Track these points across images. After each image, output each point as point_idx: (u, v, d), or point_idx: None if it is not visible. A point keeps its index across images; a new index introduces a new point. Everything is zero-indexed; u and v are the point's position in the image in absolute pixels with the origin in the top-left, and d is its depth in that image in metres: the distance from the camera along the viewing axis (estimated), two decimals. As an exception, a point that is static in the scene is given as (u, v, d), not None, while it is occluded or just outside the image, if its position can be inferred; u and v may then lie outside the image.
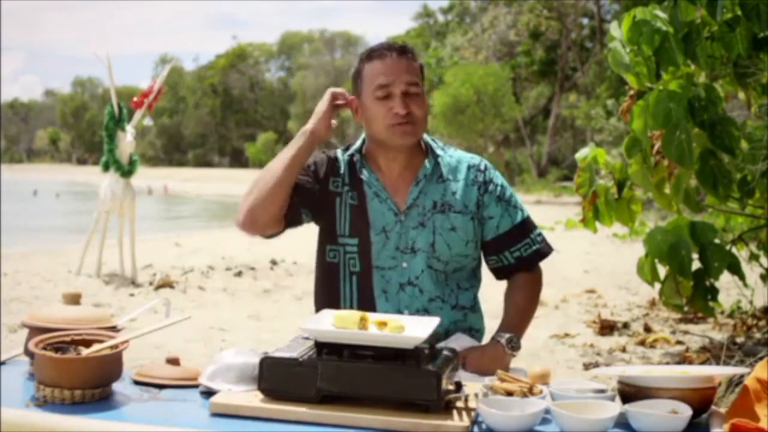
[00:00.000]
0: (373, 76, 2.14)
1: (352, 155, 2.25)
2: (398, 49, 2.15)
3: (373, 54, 2.16)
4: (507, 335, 2.12)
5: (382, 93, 2.12)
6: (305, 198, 2.18)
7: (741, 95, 4.31)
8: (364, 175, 2.21)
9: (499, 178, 2.27)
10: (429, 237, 2.17)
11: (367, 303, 2.15)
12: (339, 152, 2.28)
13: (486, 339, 2.31)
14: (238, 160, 72.90)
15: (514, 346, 2.11)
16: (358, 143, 2.28)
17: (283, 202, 2.13)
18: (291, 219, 2.18)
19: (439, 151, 2.25)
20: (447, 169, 2.23)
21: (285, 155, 2.14)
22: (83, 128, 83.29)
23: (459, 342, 2.13)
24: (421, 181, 2.19)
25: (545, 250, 2.27)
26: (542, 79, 35.60)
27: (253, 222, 2.13)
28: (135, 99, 8.38)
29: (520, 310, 2.23)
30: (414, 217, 2.18)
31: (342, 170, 2.24)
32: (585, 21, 35.34)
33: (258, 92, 73.85)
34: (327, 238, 2.22)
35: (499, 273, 2.28)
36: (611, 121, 22.88)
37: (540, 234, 2.28)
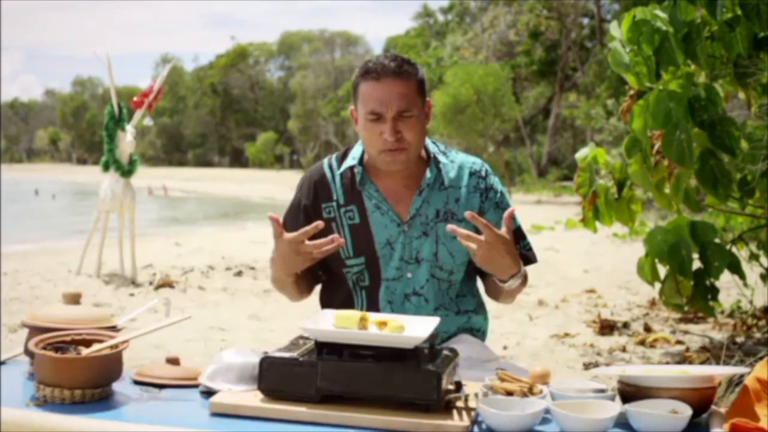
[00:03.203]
0: (366, 98, 2.10)
1: (352, 167, 2.20)
2: (394, 71, 2.08)
3: (368, 74, 2.10)
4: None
5: (374, 118, 2.09)
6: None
7: (741, 95, 4.32)
8: (365, 187, 2.18)
9: (498, 184, 2.26)
10: (432, 246, 2.16)
11: None
12: (328, 168, 2.23)
13: (488, 339, 2.31)
14: (238, 160, 72.91)
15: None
16: (359, 152, 2.23)
17: (299, 287, 2.20)
18: (316, 281, 2.27)
19: (441, 158, 2.22)
20: (449, 177, 2.21)
21: (273, 275, 2.18)
22: (83, 128, 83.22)
23: (462, 343, 2.13)
24: (424, 191, 2.17)
25: (529, 256, 2.24)
26: (542, 79, 35.59)
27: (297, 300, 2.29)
28: (135, 99, 8.38)
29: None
30: (417, 226, 2.16)
31: (335, 192, 2.20)
32: (585, 21, 35.34)
33: (258, 92, 73.85)
34: (337, 266, 2.20)
35: (482, 271, 2.24)
36: (611, 121, 22.87)
37: (527, 245, 2.25)
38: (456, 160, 2.25)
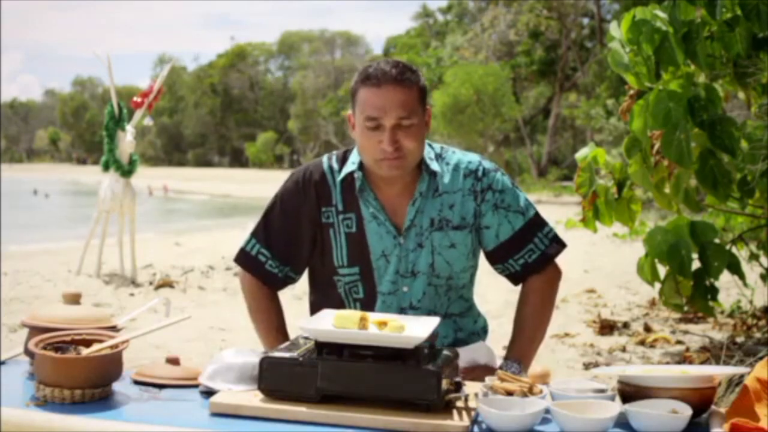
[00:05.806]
0: (365, 103, 2.04)
1: (352, 172, 2.14)
2: (395, 78, 2.02)
3: (368, 80, 2.04)
4: (513, 365, 2.03)
5: (372, 125, 2.02)
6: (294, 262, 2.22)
7: (741, 95, 4.32)
8: (364, 194, 2.13)
9: (499, 182, 2.16)
10: (428, 257, 2.11)
11: None
12: (329, 170, 2.17)
13: (488, 339, 2.31)
14: (238, 160, 72.95)
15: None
16: (358, 157, 2.15)
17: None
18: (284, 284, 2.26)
19: (434, 165, 2.13)
20: (443, 183, 2.14)
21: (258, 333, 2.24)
22: (83, 128, 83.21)
23: (480, 352, 2.14)
24: (417, 200, 2.11)
25: (551, 252, 2.17)
26: (542, 79, 35.60)
27: None
28: (135, 99, 8.38)
29: (528, 328, 2.15)
30: (412, 238, 2.11)
31: (334, 197, 2.15)
32: (585, 21, 35.35)
33: (258, 92, 73.85)
34: (327, 271, 2.17)
35: (511, 279, 2.22)
36: (611, 121, 22.89)
37: (549, 232, 2.18)
38: (451, 162, 2.17)
